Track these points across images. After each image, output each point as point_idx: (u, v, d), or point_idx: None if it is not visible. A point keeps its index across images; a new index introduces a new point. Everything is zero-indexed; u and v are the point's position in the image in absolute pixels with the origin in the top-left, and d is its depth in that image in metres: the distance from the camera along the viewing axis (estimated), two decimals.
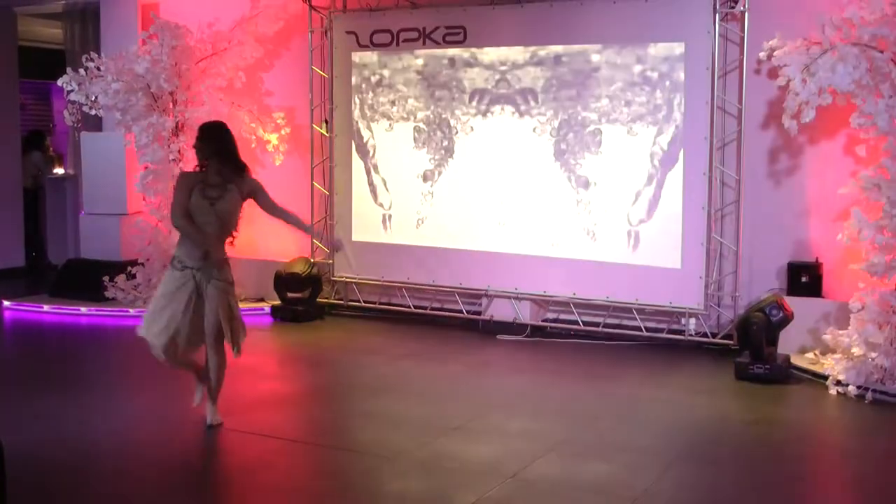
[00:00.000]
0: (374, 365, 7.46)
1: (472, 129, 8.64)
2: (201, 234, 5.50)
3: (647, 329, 8.08)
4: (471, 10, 8.59)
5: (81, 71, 9.23)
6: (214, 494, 4.83)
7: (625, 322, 8.19)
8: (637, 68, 7.92)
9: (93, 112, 9.42)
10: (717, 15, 7.56)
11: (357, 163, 9.26)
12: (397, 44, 8.94)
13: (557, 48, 8.22)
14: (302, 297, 9.17)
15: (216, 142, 5.55)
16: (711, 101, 7.61)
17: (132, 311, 8.85)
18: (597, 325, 8.25)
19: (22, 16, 11.93)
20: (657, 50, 7.82)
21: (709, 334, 7.84)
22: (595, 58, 8.08)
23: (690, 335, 7.91)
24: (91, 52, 9.43)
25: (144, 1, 10.31)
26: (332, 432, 5.78)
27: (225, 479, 4.99)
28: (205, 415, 5.74)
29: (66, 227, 12.11)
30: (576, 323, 8.33)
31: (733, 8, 7.60)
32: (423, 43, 8.80)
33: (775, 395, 6.65)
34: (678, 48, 7.72)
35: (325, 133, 9.44)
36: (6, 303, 9.60)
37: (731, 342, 7.67)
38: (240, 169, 5.60)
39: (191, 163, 9.26)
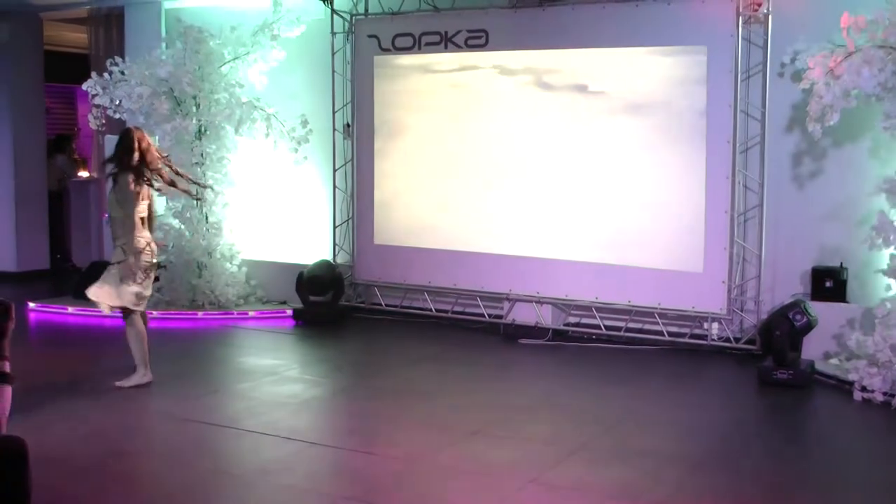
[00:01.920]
0: (395, 368, 7.47)
1: (494, 133, 8.64)
2: None
3: (670, 333, 8.04)
4: (492, 14, 8.59)
5: (106, 75, 9.31)
6: (234, 496, 4.84)
7: (647, 326, 8.16)
8: (659, 72, 7.89)
9: (117, 116, 9.49)
10: (741, 18, 7.52)
11: (379, 166, 9.28)
12: (419, 47, 8.96)
13: (579, 51, 8.21)
14: (324, 300, 9.19)
15: None
16: (734, 104, 7.57)
17: (155, 314, 8.89)
18: (619, 329, 8.22)
19: (47, 21, 12.04)
20: (680, 53, 7.79)
21: (731, 339, 7.79)
22: (617, 61, 8.06)
23: (713, 340, 7.86)
24: (115, 57, 9.51)
25: (168, 6, 10.38)
26: (352, 435, 5.79)
27: (245, 480, 5.00)
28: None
29: (90, 230, 12.17)
30: (598, 327, 8.31)
31: (756, 11, 7.55)
32: (445, 46, 8.81)
33: (799, 400, 6.60)
34: (701, 51, 7.69)
35: (346, 136, 9.46)
36: (31, 304, 9.69)
37: (754, 347, 7.62)
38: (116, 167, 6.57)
39: (212, 166, 9.37)
